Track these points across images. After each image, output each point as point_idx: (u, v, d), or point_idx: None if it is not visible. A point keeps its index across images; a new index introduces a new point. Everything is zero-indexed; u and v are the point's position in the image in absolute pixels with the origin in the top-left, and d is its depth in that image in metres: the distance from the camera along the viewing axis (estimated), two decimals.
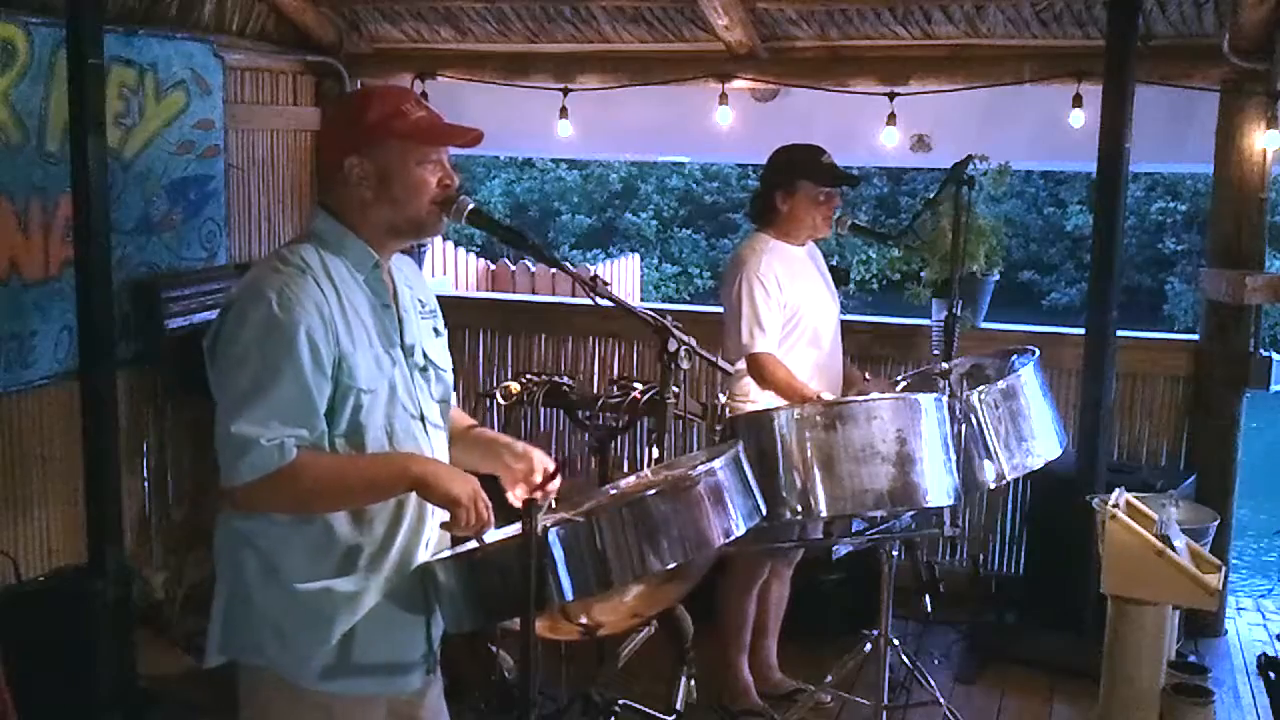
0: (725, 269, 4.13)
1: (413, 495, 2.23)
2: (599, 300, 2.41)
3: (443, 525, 2.22)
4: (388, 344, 2.26)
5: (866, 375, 4.45)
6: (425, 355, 2.35)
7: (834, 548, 3.70)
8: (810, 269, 4.07)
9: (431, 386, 2.37)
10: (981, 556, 5.33)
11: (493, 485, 2.49)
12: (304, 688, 2.22)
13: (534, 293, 9.18)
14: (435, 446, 2.35)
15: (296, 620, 2.19)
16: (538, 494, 2.32)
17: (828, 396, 3.66)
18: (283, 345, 2.09)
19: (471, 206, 2.31)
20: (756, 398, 3.85)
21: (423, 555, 2.29)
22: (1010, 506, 5.32)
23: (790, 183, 3.94)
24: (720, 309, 4.05)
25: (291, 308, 2.10)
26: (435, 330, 2.43)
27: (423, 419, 2.31)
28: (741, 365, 3.82)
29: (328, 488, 2.16)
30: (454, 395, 2.58)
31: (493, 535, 2.37)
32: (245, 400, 2.08)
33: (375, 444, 2.21)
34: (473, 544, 2.25)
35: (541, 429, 5.71)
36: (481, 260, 9.92)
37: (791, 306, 3.90)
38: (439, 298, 2.52)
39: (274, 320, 2.10)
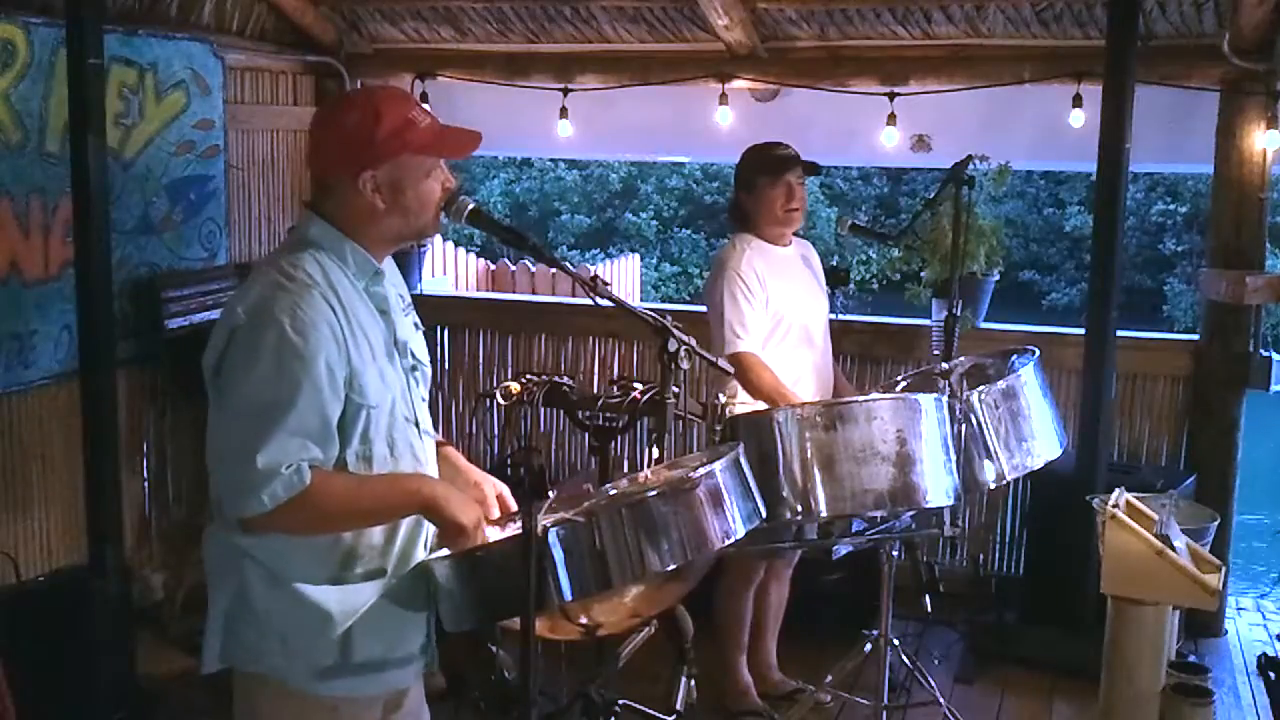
0: (709, 271, 4.13)
1: None
2: (599, 300, 2.41)
3: (441, 542, 2.23)
4: (389, 354, 2.23)
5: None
6: (413, 354, 2.33)
7: (834, 548, 3.70)
8: (796, 269, 4.07)
9: (421, 387, 2.35)
10: (981, 556, 5.33)
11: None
12: (308, 693, 2.21)
13: (534, 293, 9.18)
14: (429, 453, 2.35)
15: (300, 625, 2.18)
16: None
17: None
18: (300, 372, 2.05)
19: (471, 206, 2.30)
20: (746, 399, 3.82)
21: (421, 553, 2.28)
22: (1010, 506, 5.32)
23: (747, 181, 4.02)
24: None
25: (307, 333, 2.06)
26: (415, 325, 2.40)
27: (417, 424, 2.30)
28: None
29: (341, 510, 2.14)
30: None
31: (493, 534, 2.37)
32: (265, 430, 2.03)
33: (380, 457, 2.19)
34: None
35: (541, 429, 5.72)
36: (481, 260, 9.93)
37: (774, 304, 3.90)
38: (437, 298, 2.52)
39: (289, 346, 2.05)
